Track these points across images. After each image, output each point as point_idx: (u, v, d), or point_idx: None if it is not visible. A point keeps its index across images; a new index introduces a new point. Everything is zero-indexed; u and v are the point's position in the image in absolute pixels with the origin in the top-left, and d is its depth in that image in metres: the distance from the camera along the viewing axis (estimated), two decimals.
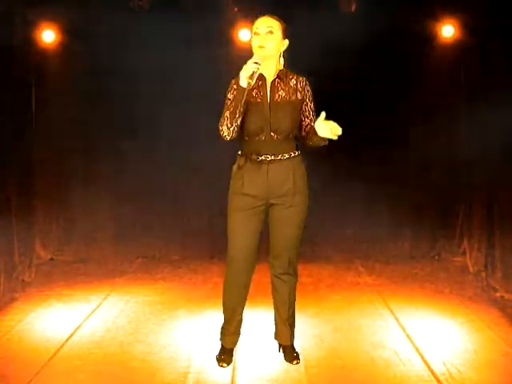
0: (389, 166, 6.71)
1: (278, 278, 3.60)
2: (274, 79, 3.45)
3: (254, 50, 3.38)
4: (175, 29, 6.30)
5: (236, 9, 6.14)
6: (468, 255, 6.43)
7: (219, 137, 3.42)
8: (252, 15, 5.76)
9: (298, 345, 3.82)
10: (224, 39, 6.41)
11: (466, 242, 6.55)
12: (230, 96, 3.39)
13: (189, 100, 6.56)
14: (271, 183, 3.43)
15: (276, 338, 3.73)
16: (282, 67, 3.48)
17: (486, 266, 5.88)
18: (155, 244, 6.89)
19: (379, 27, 6.22)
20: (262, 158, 3.41)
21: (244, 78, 3.27)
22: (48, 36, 6.36)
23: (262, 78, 3.43)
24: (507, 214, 5.56)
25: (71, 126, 6.69)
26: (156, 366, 3.98)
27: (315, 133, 3.34)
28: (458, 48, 6.42)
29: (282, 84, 3.45)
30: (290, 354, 3.69)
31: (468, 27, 6.22)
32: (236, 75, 3.36)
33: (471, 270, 6.23)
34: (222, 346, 3.68)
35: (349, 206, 6.91)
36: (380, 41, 6.33)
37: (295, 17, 5.48)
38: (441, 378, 3.78)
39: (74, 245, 6.89)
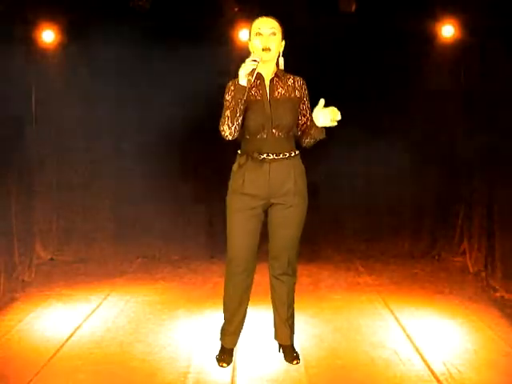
0: (389, 166, 6.70)
1: (277, 278, 3.59)
2: (273, 78, 3.45)
3: (257, 50, 3.37)
4: (175, 28, 6.31)
5: (236, 9, 6.13)
6: (468, 255, 6.43)
7: (221, 137, 3.42)
8: (252, 15, 5.78)
9: (297, 345, 3.82)
10: (224, 39, 6.41)
11: (466, 242, 6.55)
12: (227, 97, 3.38)
13: (189, 100, 6.56)
14: (273, 182, 3.42)
15: (276, 338, 3.73)
16: (281, 67, 3.48)
17: (485, 266, 5.88)
18: (155, 244, 6.89)
19: (379, 27, 6.23)
20: (264, 156, 3.41)
21: (243, 76, 3.27)
22: (48, 36, 6.36)
23: (260, 77, 3.43)
24: (507, 214, 5.56)
25: (71, 125, 6.69)
26: (156, 366, 3.98)
27: (312, 125, 3.34)
28: (458, 48, 6.42)
29: (280, 83, 3.45)
30: (290, 354, 3.68)
31: (468, 27, 6.22)
32: (233, 77, 3.35)
33: (471, 270, 6.23)
34: (222, 345, 3.68)
35: (349, 206, 6.91)
36: (380, 41, 6.34)
37: (295, 17, 5.48)
38: (441, 378, 3.78)
39: (74, 245, 6.89)
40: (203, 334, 4.49)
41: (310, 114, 3.47)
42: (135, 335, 4.51)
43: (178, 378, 3.79)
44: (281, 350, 3.72)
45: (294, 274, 3.62)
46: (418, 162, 6.78)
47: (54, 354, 4.13)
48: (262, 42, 3.38)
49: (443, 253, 6.77)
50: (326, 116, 3.28)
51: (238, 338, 3.69)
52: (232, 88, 3.36)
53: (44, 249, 6.64)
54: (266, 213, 3.52)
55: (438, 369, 3.90)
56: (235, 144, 3.53)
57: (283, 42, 3.47)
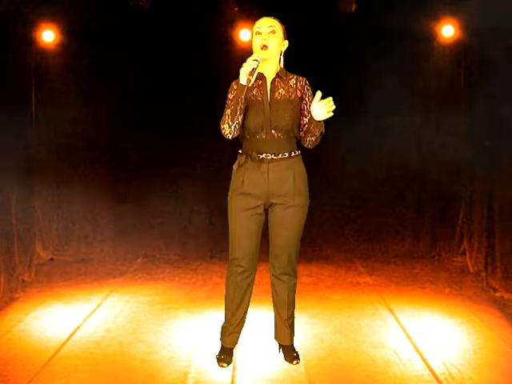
0: (389, 165, 6.71)
1: (278, 278, 3.59)
2: (274, 78, 3.45)
3: (256, 50, 3.38)
4: (175, 28, 6.32)
5: (236, 9, 6.13)
6: (468, 255, 6.43)
7: (221, 136, 3.42)
8: (252, 15, 5.80)
9: (297, 345, 3.82)
10: (224, 39, 6.41)
11: (466, 242, 6.55)
12: (230, 96, 3.40)
13: (189, 99, 6.57)
14: (271, 182, 3.42)
15: (276, 338, 3.73)
16: (282, 67, 3.49)
17: (485, 266, 5.88)
18: (155, 244, 6.89)
19: (379, 27, 6.23)
20: (263, 156, 3.41)
21: (244, 75, 3.27)
22: (48, 36, 6.36)
23: (262, 77, 3.44)
24: (507, 214, 5.56)
25: (71, 125, 6.69)
26: (156, 366, 3.98)
27: (311, 121, 3.35)
28: (458, 48, 6.42)
29: (281, 83, 3.45)
30: (290, 354, 3.68)
31: (468, 27, 6.22)
32: (237, 76, 3.36)
33: (471, 269, 6.23)
34: (222, 345, 3.68)
35: (349, 206, 6.91)
36: (380, 41, 6.33)
37: (295, 17, 5.49)
38: (441, 378, 3.78)
39: (74, 245, 6.90)
40: (203, 333, 4.49)
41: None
42: (135, 335, 4.51)
43: (178, 378, 3.79)
44: (281, 350, 3.72)
45: (294, 274, 3.62)
46: (418, 162, 6.79)
47: (54, 354, 4.13)
48: (260, 41, 3.38)
49: (443, 253, 6.77)
50: (322, 109, 3.28)
51: (238, 338, 3.69)
52: (235, 87, 3.37)
53: (44, 249, 6.64)
54: (266, 213, 3.53)
55: (438, 369, 3.90)
56: (234, 144, 3.53)
57: (286, 42, 3.47)
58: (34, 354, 4.14)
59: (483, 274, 5.89)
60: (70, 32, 6.42)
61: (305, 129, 3.48)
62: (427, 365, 3.96)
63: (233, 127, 3.35)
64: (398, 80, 6.46)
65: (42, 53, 6.48)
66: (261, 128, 3.39)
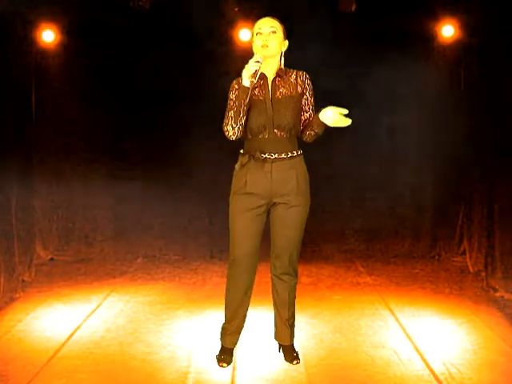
0: (389, 165, 6.71)
1: (279, 278, 3.60)
2: (275, 77, 3.46)
3: (257, 49, 3.39)
4: (175, 28, 6.31)
5: (236, 9, 6.13)
6: (468, 255, 6.43)
7: (221, 135, 3.43)
8: (252, 15, 5.80)
9: (297, 345, 3.82)
10: (224, 39, 6.41)
11: (465, 242, 6.55)
12: (232, 96, 3.40)
13: (189, 99, 6.56)
14: (274, 182, 3.43)
15: (276, 338, 3.73)
16: (283, 67, 3.49)
17: (485, 266, 5.88)
18: (155, 244, 6.89)
19: (379, 27, 6.22)
20: (266, 155, 3.41)
21: (246, 77, 3.28)
22: (48, 36, 6.35)
23: (263, 77, 3.44)
24: (507, 214, 5.56)
25: (71, 125, 6.69)
26: (156, 365, 3.98)
27: (316, 117, 3.35)
28: (458, 48, 6.42)
29: (282, 81, 3.46)
30: (290, 354, 3.68)
31: (468, 27, 6.22)
32: (237, 76, 3.36)
33: (471, 269, 6.23)
34: (222, 345, 3.68)
35: (349, 206, 6.91)
36: (380, 41, 6.33)
37: (295, 17, 5.48)
38: (441, 378, 3.78)
39: (74, 245, 6.90)
40: (203, 333, 4.49)
41: (314, 110, 3.47)
42: (135, 335, 4.51)
43: (178, 378, 3.79)
44: (281, 350, 3.72)
45: (295, 274, 3.62)
46: (418, 162, 6.79)
47: (54, 354, 4.13)
48: (261, 40, 3.39)
49: (443, 253, 6.77)
50: (333, 115, 3.29)
51: (238, 338, 3.69)
52: (236, 87, 3.37)
53: (44, 249, 6.63)
54: (268, 212, 3.53)
55: (438, 369, 3.90)
56: (235, 144, 3.53)
57: (286, 42, 3.48)
58: (34, 354, 4.14)
59: (483, 273, 5.89)
60: (69, 32, 6.41)
61: (305, 123, 3.49)
62: (427, 365, 3.96)
63: (236, 129, 3.36)
64: (398, 80, 6.46)
65: (42, 53, 6.47)
66: (263, 128, 3.40)
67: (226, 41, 6.42)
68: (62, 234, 6.90)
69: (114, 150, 6.78)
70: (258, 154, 3.41)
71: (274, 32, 3.40)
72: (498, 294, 5.42)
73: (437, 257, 6.78)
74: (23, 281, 5.78)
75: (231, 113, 3.35)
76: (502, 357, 4.12)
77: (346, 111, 3.31)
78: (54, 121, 6.65)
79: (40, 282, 5.90)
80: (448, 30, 6.33)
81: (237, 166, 3.49)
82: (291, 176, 3.44)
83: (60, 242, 6.87)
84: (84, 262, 6.65)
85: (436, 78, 6.59)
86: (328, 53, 6.29)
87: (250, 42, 3.49)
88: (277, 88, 3.45)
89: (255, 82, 3.30)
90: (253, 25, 3.49)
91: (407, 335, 4.49)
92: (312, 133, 3.45)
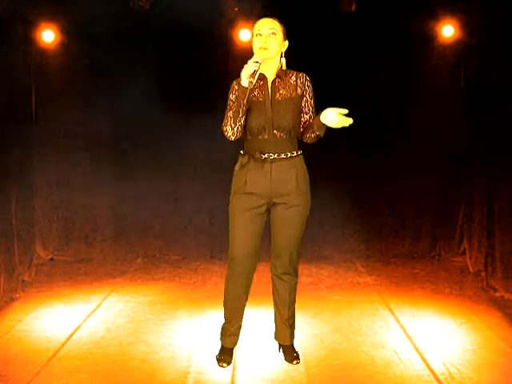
0: (389, 166, 6.71)
1: (279, 277, 3.60)
2: (275, 79, 3.46)
3: (256, 51, 3.39)
4: (175, 28, 6.31)
5: (236, 9, 6.13)
6: (468, 255, 6.43)
7: (221, 135, 3.43)
8: (252, 15, 5.80)
9: (297, 345, 3.82)
10: (224, 39, 6.41)
11: (466, 242, 6.55)
12: (231, 97, 3.40)
13: (189, 100, 6.57)
14: (274, 182, 3.43)
15: (276, 337, 3.73)
16: (284, 67, 3.49)
17: (486, 266, 5.88)
18: (155, 244, 6.89)
19: (379, 27, 6.22)
20: (266, 156, 3.41)
21: (245, 78, 3.29)
22: (48, 36, 6.35)
23: (263, 78, 3.44)
24: (507, 214, 5.56)
25: (71, 125, 6.69)
26: (156, 365, 3.98)
27: (317, 118, 3.35)
28: (458, 48, 6.42)
29: (282, 83, 3.46)
30: (290, 354, 3.68)
31: (468, 27, 6.22)
32: (237, 76, 3.36)
33: (471, 269, 6.23)
34: (222, 345, 3.68)
35: (349, 206, 6.91)
36: (380, 41, 6.33)
37: (295, 17, 5.48)
38: (441, 378, 3.78)
39: (74, 245, 6.90)
40: (203, 333, 4.49)
41: (314, 112, 3.47)
42: (135, 335, 4.51)
43: (178, 378, 3.79)
44: (281, 350, 3.72)
45: (295, 274, 3.62)
46: (418, 162, 6.79)
47: (54, 354, 4.13)
48: (260, 42, 3.39)
49: (443, 253, 6.77)
50: (334, 117, 3.29)
51: (238, 338, 3.69)
52: (236, 87, 3.37)
53: (44, 249, 6.63)
54: (268, 213, 3.53)
55: (438, 369, 3.90)
56: (235, 143, 3.54)
57: (286, 42, 3.47)
58: (34, 354, 4.14)
59: (483, 273, 5.89)
60: (70, 32, 6.41)
61: (306, 125, 3.49)
62: (427, 365, 3.96)
63: (235, 129, 3.36)
64: (398, 79, 6.46)
65: (42, 53, 6.47)
66: (263, 129, 3.40)
67: (226, 41, 6.42)
68: (61, 234, 6.89)
69: (113, 149, 6.77)
70: (257, 154, 3.42)
71: (274, 33, 3.40)
72: (497, 294, 5.42)
73: (437, 257, 6.78)
74: (23, 281, 5.78)
75: (230, 113, 3.35)
76: (502, 357, 4.12)
77: (346, 111, 3.32)
78: (54, 121, 6.64)
79: (40, 281, 5.90)
80: (448, 30, 6.33)
81: (237, 167, 3.49)
82: (291, 176, 3.44)
83: (60, 242, 6.87)
84: (84, 261, 6.65)
85: (436, 78, 6.59)
86: (328, 53, 6.30)
87: (250, 43, 3.49)
88: (276, 89, 3.45)
89: (254, 82, 3.30)
90: (253, 25, 3.48)
91: (407, 335, 4.49)
92: (313, 135, 3.45)
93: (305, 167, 3.52)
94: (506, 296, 5.32)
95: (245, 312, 3.66)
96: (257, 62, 3.29)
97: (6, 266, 5.47)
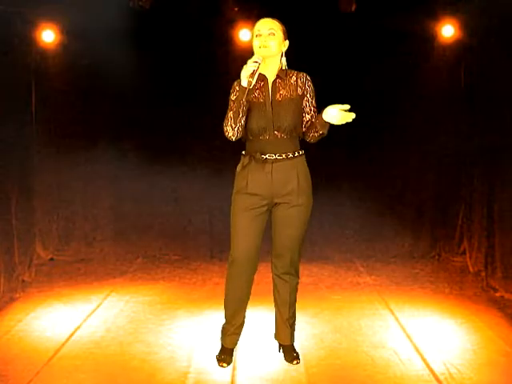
0: (389, 166, 6.71)
1: (280, 277, 3.60)
2: (275, 79, 3.46)
3: (257, 50, 3.39)
4: (175, 29, 6.31)
5: (236, 9, 6.13)
6: (468, 255, 6.43)
7: (221, 135, 3.43)
8: (252, 15, 5.80)
9: (297, 345, 3.82)
10: (224, 39, 6.41)
11: (466, 242, 6.55)
12: (232, 97, 3.40)
13: (189, 100, 6.57)
14: (275, 182, 3.43)
15: (276, 337, 3.73)
16: (284, 67, 3.49)
17: (485, 266, 5.88)
18: (155, 244, 6.89)
19: (379, 27, 6.22)
20: (267, 156, 3.42)
21: (244, 77, 3.29)
22: (48, 36, 6.35)
23: (264, 78, 3.45)
24: (507, 214, 5.56)
25: (71, 125, 6.69)
26: (156, 365, 3.98)
27: (319, 117, 3.35)
28: (458, 48, 6.42)
29: (282, 83, 3.46)
30: (290, 354, 3.68)
31: (468, 27, 6.22)
32: (237, 76, 3.36)
33: (471, 269, 6.23)
34: (222, 345, 3.68)
35: (349, 206, 6.91)
36: (380, 41, 6.33)
37: (295, 17, 5.48)
38: (441, 378, 3.78)
39: (74, 245, 6.90)
40: (203, 334, 4.49)
41: (315, 111, 3.47)
42: (135, 335, 4.51)
43: (178, 378, 3.79)
44: (281, 350, 3.73)
45: (296, 274, 3.62)
46: (418, 162, 6.79)
47: (54, 354, 4.13)
48: (260, 42, 3.39)
49: (443, 253, 6.77)
50: (336, 114, 3.29)
51: (238, 338, 3.69)
52: (237, 88, 3.37)
53: (44, 249, 6.63)
54: (269, 213, 3.53)
55: (438, 369, 3.90)
56: (235, 144, 3.54)
57: (286, 42, 3.48)
58: (34, 354, 4.14)
59: (483, 273, 5.89)
60: (70, 32, 6.42)
61: (308, 125, 3.49)
62: (427, 365, 3.97)
63: (236, 129, 3.37)
64: (398, 79, 6.46)
65: (42, 53, 6.47)
66: (264, 130, 3.40)
67: (226, 41, 6.42)
68: (62, 234, 6.89)
69: (114, 149, 6.77)
70: (258, 155, 3.42)
71: (273, 34, 3.40)
72: (497, 294, 5.42)
73: (437, 257, 6.78)
74: (23, 281, 5.78)
75: (231, 113, 3.36)
76: (502, 357, 4.12)
77: (347, 106, 3.32)
78: (54, 121, 6.64)
79: (40, 281, 5.90)
80: (448, 30, 6.33)
81: (238, 167, 3.50)
82: (292, 176, 3.44)
83: (60, 242, 6.87)
84: (84, 261, 6.65)
85: (436, 78, 6.59)
86: (328, 53, 6.30)
87: (250, 43, 3.49)
88: (277, 90, 3.45)
89: (253, 82, 3.30)
90: (253, 25, 3.49)
91: (407, 335, 4.49)
92: (316, 134, 3.45)
93: (306, 167, 3.52)
94: (506, 296, 5.32)
95: (246, 312, 3.66)
96: (256, 62, 3.29)
97: (5, 266, 5.47)
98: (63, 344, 4.32)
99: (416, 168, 6.78)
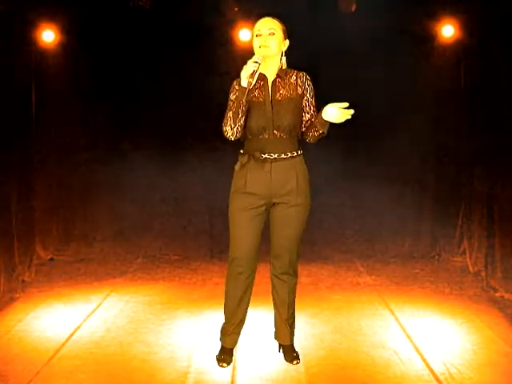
0: (389, 166, 6.71)
1: (278, 277, 3.60)
2: (275, 79, 3.47)
3: (257, 50, 3.40)
4: (175, 28, 6.32)
5: (236, 9, 6.14)
6: (468, 255, 6.42)
7: (221, 135, 3.43)
8: (252, 15, 5.80)
9: (297, 345, 3.83)
10: (224, 39, 6.41)
11: (465, 242, 6.55)
12: (232, 97, 3.41)
13: (189, 100, 6.57)
14: (274, 182, 3.43)
15: (276, 337, 3.73)
16: (284, 67, 3.50)
17: (486, 266, 5.87)
18: (155, 244, 6.89)
19: (379, 27, 6.23)
20: (266, 155, 3.42)
21: (244, 78, 3.29)
22: (48, 36, 6.36)
23: (263, 77, 3.45)
24: (507, 214, 5.56)
25: (71, 125, 6.70)
26: (156, 365, 3.98)
27: (319, 116, 3.35)
28: (458, 48, 6.42)
29: (282, 83, 3.46)
30: (290, 354, 3.69)
31: (468, 27, 6.22)
32: (237, 76, 3.37)
33: (471, 269, 6.23)
34: (222, 345, 3.68)
35: (349, 206, 6.92)
36: (380, 41, 6.33)
37: (295, 17, 5.49)
38: (441, 378, 3.78)
39: (73, 245, 6.90)
40: (203, 334, 4.49)
41: (315, 111, 3.48)
42: (135, 335, 4.51)
43: (178, 378, 3.79)
44: (281, 350, 3.73)
45: (294, 274, 3.62)
46: (418, 162, 6.79)
47: (54, 354, 4.13)
48: (260, 42, 3.40)
49: (443, 253, 6.77)
50: (336, 112, 3.29)
51: (238, 338, 3.70)
52: (236, 87, 3.38)
53: (44, 249, 6.63)
54: (268, 212, 3.53)
55: (438, 369, 3.90)
56: (235, 143, 3.54)
57: (286, 41, 3.48)
58: (34, 354, 4.14)
59: (483, 273, 5.89)
60: (70, 32, 6.42)
61: (307, 124, 3.49)
62: (427, 365, 3.96)
63: (235, 129, 3.37)
64: (398, 80, 6.46)
65: (42, 53, 6.47)
66: (263, 129, 3.41)
67: (226, 41, 6.42)
68: (62, 234, 6.90)
69: (114, 149, 6.77)
70: (257, 154, 3.42)
71: (273, 34, 3.41)
72: (497, 294, 5.42)
73: (437, 257, 6.78)
74: (23, 281, 5.78)
75: (230, 113, 3.36)
76: (502, 357, 4.12)
77: (346, 104, 3.32)
78: (54, 121, 6.64)
79: (40, 281, 5.90)
80: (448, 30, 6.33)
81: (236, 166, 3.50)
82: (291, 176, 3.45)
83: (60, 242, 6.87)
84: (84, 261, 6.64)
85: (436, 78, 6.59)
86: (328, 53, 6.30)
87: (251, 43, 3.50)
88: (277, 89, 3.45)
89: (253, 82, 3.30)
90: (253, 25, 3.49)
91: (407, 335, 4.49)
92: (316, 134, 3.45)
93: (305, 167, 3.52)
94: (506, 296, 5.32)
95: (247, 312, 3.66)
96: (256, 63, 3.30)
97: (5, 266, 5.47)
98: (63, 344, 4.31)
99: (416, 168, 6.78)
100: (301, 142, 3.55)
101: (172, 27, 6.35)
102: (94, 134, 6.74)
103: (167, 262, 6.63)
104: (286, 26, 3.49)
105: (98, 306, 5.18)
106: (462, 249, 6.64)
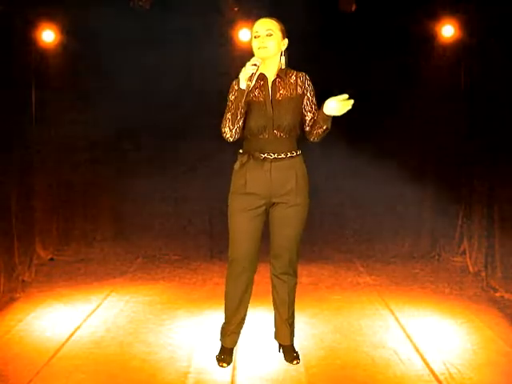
0: (389, 165, 6.70)
1: (278, 277, 3.60)
2: (275, 78, 3.46)
3: (256, 51, 3.40)
4: (175, 29, 6.31)
5: (236, 9, 6.13)
6: (468, 255, 6.43)
7: (221, 135, 3.43)
8: (252, 15, 5.80)
9: (297, 345, 3.82)
10: (224, 39, 6.41)
11: (466, 242, 6.55)
12: (231, 98, 3.40)
13: (189, 100, 6.56)
14: (274, 182, 3.43)
15: (276, 337, 3.73)
16: (284, 66, 3.49)
17: (486, 266, 5.88)
18: (155, 244, 6.89)
19: (379, 27, 6.22)
20: (265, 155, 3.42)
21: (243, 80, 3.29)
22: (48, 36, 6.36)
23: (263, 77, 3.45)
24: (507, 214, 5.56)
25: (71, 125, 6.69)
26: (156, 365, 3.98)
27: (320, 112, 3.35)
28: (458, 48, 6.42)
29: (282, 82, 3.46)
30: (290, 354, 3.69)
31: (468, 27, 6.22)
32: (236, 76, 3.37)
33: (471, 269, 6.23)
34: (222, 345, 3.68)
35: (349, 206, 6.91)
36: (380, 41, 6.33)
37: (295, 17, 5.48)
38: (441, 378, 3.78)
39: (74, 245, 6.90)
40: (203, 334, 4.49)
41: (316, 110, 3.47)
42: (135, 335, 4.51)
43: (178, 378, 3.79)
44: (281, 350, 3.73)
45: (294, 274, 3.62)
46: (418, 162, 6.79)
47: (54, 354, 4.13)
48: (258, 43, 3.40)
49: (443, 253, 6.77)
50: (337, 104, 3.29)
51: (238, 338, 3.69)
52: (236, 88, 3.38)
53: (44, 249, 6.63)
54: (267, 213, 3.53)
55: (438, 369, 3.90)
56: (235, 144, 3.54)
57: (285, 41, 3.48)
58: (34, 354, 4.14)
59: (483, 273, 5.89)
60: (70, 32, 6.42)
61: (311, 123, 3.49)
62: (427, 365, 3.96)
63: (234, 131, 3.37)
64: (398, 79, 6.46)
65: (42, 53, 6.47)
66: (263, 129, 3.41)
67: (226, 41, 6.42)
68: (62, 234, 6.90)
69: (114, 150, 6.77)
70: (257, 153, 3.42)
71: (271, 34, 3.41)
72: (497, 294, 5.42)
73: (437, 257, 6.78)
74: (23, 281, 5.78)
75: (229, 115, 3.36)
76: (502, 357, 4.12)
77: (345, 96, 3.32)
78: (54, 121, 6.64)
79: (40, 281, 5.90)
80: (448, 30, 6.33)
81: (236, 166, 3.49)
82: (290, 176, 3.45)
83: (60, 242, 6.87)
84: (84, 261, 6.65)
85: (436, 78, 6.59)
86: (328, 53, 6.30)
87: (250, 44, 3.49)
88: (277, 89, 3.45)
89: (252, 85, 3.30)
90: (253, 25, 3.49)
91: (407, 335, 4.49)
92: (320, 130, 3.44)
93: (304, 167, 3.52)
94: (506, 296, 5.32)
95: (247, 312, 3.66)
96: (255, 65, 3.29)
97: (5, 266, 5.47)
98: (63, 344, 4.32)
99: (416, 168, 6.78)
100: (301, 142, 3.55)
101: (171, 27, 6.34)
102: (94, 134, 6.73)
103: (167, 262, 6.64)
104: (284, 26, 3.48)
105: (98, 306, 5.18)
106: (462, 249, 6.64)
